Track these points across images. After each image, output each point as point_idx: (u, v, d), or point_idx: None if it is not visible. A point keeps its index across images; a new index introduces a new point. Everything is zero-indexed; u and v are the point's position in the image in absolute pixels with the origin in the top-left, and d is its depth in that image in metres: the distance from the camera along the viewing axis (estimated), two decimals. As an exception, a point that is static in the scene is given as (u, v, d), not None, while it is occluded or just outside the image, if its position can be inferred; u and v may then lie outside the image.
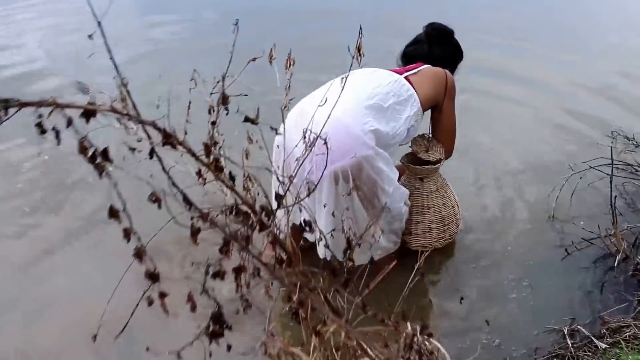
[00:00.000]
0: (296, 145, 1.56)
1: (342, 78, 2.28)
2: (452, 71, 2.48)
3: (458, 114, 2.46)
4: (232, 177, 1.24)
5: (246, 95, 1.38)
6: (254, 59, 1.33)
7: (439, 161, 2.41)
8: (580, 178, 2.87)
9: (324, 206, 2.04)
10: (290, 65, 1.52)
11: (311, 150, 1.39)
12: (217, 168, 1.27)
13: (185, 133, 1.40)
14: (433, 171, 2.43)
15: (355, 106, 2.10)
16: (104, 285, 1.65)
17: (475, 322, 2.23)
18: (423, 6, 5.42)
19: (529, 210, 2.88)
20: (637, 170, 2.89)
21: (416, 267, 1.64)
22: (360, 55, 1.32)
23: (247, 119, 1.18)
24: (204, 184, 1.25)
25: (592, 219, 2.73)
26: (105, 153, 1.06)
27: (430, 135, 2.47)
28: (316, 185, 1.64)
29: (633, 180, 2.88)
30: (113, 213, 1.08)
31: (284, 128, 1.72)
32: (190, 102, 1.45)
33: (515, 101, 3.97)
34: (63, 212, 2.89)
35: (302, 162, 1.44)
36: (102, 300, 1.59)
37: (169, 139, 1.16)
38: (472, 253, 2.63)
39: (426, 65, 2.35)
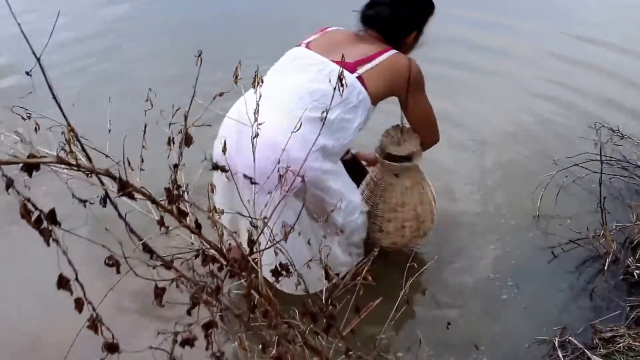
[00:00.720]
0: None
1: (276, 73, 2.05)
2: (420, 32, 2.17)
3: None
4: (197, 225, 1.12)
5: (210, 125, 1.26)
6: (221, 94, 1.19)
7: (412, 155, 2.20)
8: (566, 177, 2.78)
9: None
10: (257, 84, 1.39)
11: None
12: (180, 213, 1.14)
13: (142, 161, 1.28)
14: (409, 168, 2.22)
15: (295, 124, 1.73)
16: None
17: (458, 333, 2.12)
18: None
19: (512, 208, 2.77)
20: (624, 167, 2.81)
21: (401, 295, 1.54)
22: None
23: (215, 167, 1.05)
24: (167, 232, 1.12)
25: (579, 217, 2.65)
26: (52, 216, 0.94)
27: (405, 126, 2.25)
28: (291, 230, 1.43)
29: (621, 177, 2.79)
30: (62, 283, 0.96)
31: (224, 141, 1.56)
32: (145, 126, 1.32)
33: (493, 88, 3.86)
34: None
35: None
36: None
37: (125, 189, 1.03)
38: (452, 252, 2.54)
39: (388, 54, 2.02)
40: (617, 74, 3.87)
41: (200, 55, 1.06)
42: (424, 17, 2.15)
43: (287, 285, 1.37)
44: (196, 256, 1.19)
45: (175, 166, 1.07)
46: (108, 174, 1.00)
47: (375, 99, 2.03)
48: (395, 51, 2.05)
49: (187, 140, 1.06)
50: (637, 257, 2.36)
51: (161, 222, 1.11)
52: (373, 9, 2.11)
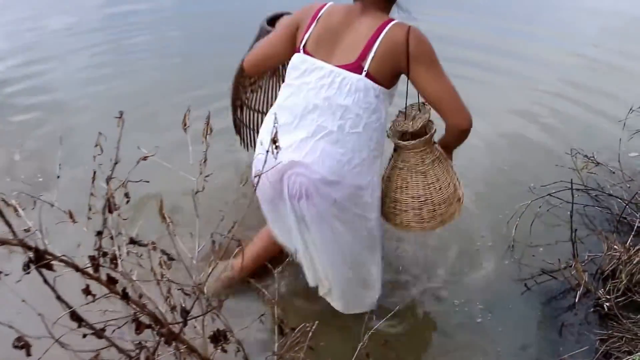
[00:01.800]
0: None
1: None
2: None
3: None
4: (125, 294, 1.06)
5: (147, 181, 1.19)
6: (144, 158, 1.13)
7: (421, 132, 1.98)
8: (540, 207, 2.74)
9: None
10: (207, 133, 1.33)
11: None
12: (109, 280, 1.09)
13: (90, 209, 1.22)
14: (406, 146, 1.98)
15: (331, 152, 1.85)
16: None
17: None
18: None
19: (488, 236, 2.73)
20: (597, 196, 2.77)
21: (359, 348, 1.49)
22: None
23: (140, 245, 1.00)
24: (94, 300, 1.06)
25: (554, 246, 2.63)
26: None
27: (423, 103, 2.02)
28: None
29: (595, 206, 2.76)
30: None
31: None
32: (95, 173, 1.26)
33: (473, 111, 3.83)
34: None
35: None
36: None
37: (41, 260, 0.98)
38: (422, 276, 2.49)
39: (385, 31, 1.83)
40: (595, 101, 3.89)
41: (121, 115, 1.00)
42: None
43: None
44: (134, 320, 1.14)
45: (99, 233, 1.01)
46: (21, 244, 0.95)
47: (391, 84, 1.91)
48: (392, 23, 1.85)
49: (110, 208, 1.00)
50: (607, 288, 2.33)
51: (87, 290, 1.05)
52: None
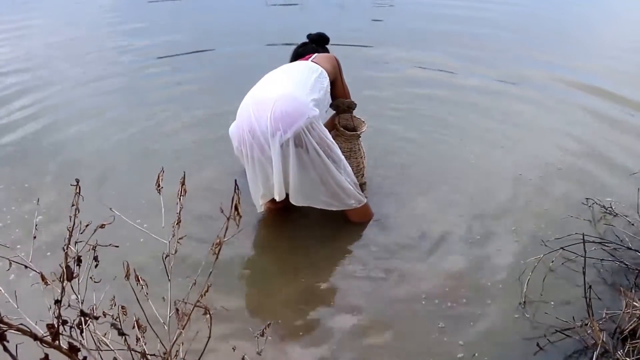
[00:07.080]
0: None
1: (273, 73, 2.95)
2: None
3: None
4: (85, 363, 1.04)
5: (117, 246, 1.19)
6: (102, 226, 1.13)
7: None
8: (553, 261, 2.64)
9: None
10: (181, 195, 1.32)
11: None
12: (71, 349, 1.07)
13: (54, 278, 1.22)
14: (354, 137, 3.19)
15: (296, 85, 2.78)
16: None
17: None
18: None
19: (498, 292, 2.62)
20: (615, 249, 2.66)
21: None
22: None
23: (113, 326, 0.98)
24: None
25: (568, 303, 2.49)
26: None
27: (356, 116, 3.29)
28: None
29: (613, 261, 2.64)
30: None
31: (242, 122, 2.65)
32: (70, 236, 1.25)
33: (486, 158, 3.80)
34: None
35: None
36: None
37: (-4, 329, 0.97)
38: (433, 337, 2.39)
39: (316, 54, 3.17)
40: (612, 150, 3.83)
41: (78, 182, 1.00)
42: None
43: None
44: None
45: (57, 302, 1.00)
46: (-25, 315, 0.94)
47: (329, 74, 3.04)
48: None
49: (69, 275, 0.99)
50: (626, 349, 2.19)
51: (46, 360, 1.03)
52: (302, 47, 3.34)
